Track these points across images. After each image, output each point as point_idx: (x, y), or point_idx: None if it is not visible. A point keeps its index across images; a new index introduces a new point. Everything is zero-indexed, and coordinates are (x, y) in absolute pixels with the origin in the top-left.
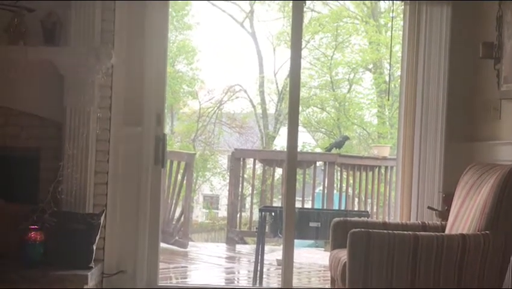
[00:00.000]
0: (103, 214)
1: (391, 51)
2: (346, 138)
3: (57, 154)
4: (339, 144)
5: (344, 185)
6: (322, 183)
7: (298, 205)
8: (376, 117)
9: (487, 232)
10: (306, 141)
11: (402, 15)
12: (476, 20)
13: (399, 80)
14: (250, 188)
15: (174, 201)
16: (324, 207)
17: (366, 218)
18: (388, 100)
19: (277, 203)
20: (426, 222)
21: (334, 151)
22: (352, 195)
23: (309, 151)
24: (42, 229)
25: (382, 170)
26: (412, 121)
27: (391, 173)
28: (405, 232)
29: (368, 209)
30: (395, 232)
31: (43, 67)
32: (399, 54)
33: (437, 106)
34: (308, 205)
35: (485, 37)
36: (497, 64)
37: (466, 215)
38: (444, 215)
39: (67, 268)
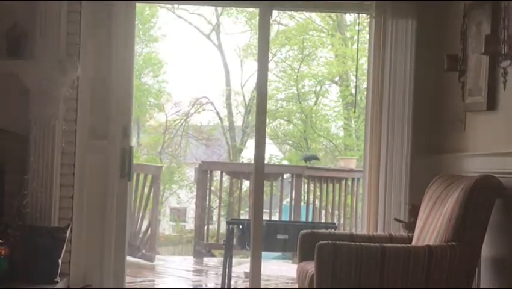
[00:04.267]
0: (69, 228)
1: (357, 64)
2: (315, 158)
3: (22, 167)
4: (308, 158)
5: (311, 197)
6: (289, 196)
7: (265, 217)
8: (342, 129)
9: (453, 243)
10: (273, 153)
11: (367, 28)
12: (441, 34)
13: (365, 92)
14: (218, 201)
15: (141, 214)
16: (292, 219)
17: (333, 230)
18: (355, 112)
19: (244, 215)
20: (393, 234)
21: (301, 163)
22: (319, 207)
23: (277, 163)
24: (7, 243)
25: (349, 182)
26: (378, 133)
27: (358, 184)
28: (372, 244)
29: (336, 221)
30: (362, 244)
31: (7, 80)
32: (365, 66)
33: (403, 118)
34: (275, 217)
35: (450, 50)
36: (461, 77)
37: (432, 227)
38: (410, 226)
39: (32, 283)
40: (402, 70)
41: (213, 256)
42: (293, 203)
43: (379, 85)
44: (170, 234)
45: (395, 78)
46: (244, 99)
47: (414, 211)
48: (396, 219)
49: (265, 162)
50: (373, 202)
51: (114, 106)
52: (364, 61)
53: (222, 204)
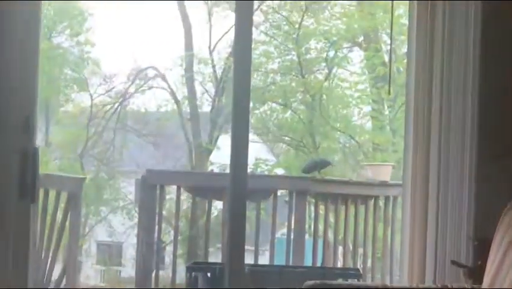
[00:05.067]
0: None
1: (392, 16)
2: (327, 164)
3: None
4: (314, 167)
5: (321, 226)
6: (287, 224)
7: (249, 260)
8: (370, 118)
9: None
10: (262, 156)
11: None
12: None
13: (405, 61)
14: (173, 233)
15: (51, 254)
16: (290, 263)
17: (356, 280)
18: (389, 93)
19: (215, 257)
20: (449, 286)
21: (304, 173)
22: (333, 243)
23: (266, 174)
24: None
25: (381, 203)
26: (426, 125)
27: (395, 207)
28: None
29: (360, 264)
30: None
31: None
32: (404, 21)
33: (464, 102)
34: (264, 260)
35: None
36: None
37: (511, 276)
38: (476, 274)
39: None
40: (463, 29)
41: None
42: (291, 237)
43: (426, 51)
44: (96, 285)
45: (452, 40)
46: (214, 71)
47: (481, 251)
48: (454, 262)
49: (249, 171)
50: (418, 235)
51: (9, 83)
52: (402, 11)
53: (180, 238)
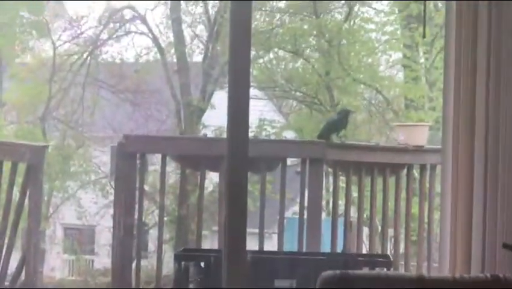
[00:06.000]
0: None
1: None
2: (347, 113)
3: None
4: (336, 126)
5: (341, 202)
6: (299, 201)
7: (252, 245)
8: (401, 68)
9: None
10: (267, 116)
11: None
12: None
13: None
14: (157, 213)
15: (7, 239)
16: (305, 248)
17: (386, 268)
18: (424, 36)
19: (210, 242)
20: (501, 275)
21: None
22: (357, 222)
23: (273, 138)
24: None
25: (415, 173)
26: (471, 75)
27: (433, 177)
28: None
29: (390, 250)
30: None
31: None
32: None
33: None
34: (271, 246)
35: None
36: None
37: None
38: None
39: None
40: None
41: None
42: (305, 216)
43: None
44: (64, 278)
45: None
46: (206, 10)
47: None
48: (506, 246)
49: (251, 135)
50: (462, 213)
51: None
52: None
53: (167, 219)
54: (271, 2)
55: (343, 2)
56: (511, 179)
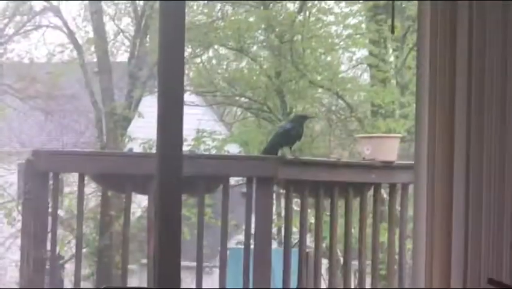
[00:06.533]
0: None
1: None
2: (302, 120)
3: None
4: (289, 137)
5: (295, 229)
6: (245, 228)
7: (188, 282)
8: (366, 68)
9: None
10: (205, 127)
11: None
12: None
13: None
14: (75, 243)
15: None
16: (251, 286)
17: None
18: (393, 31)
19: (138, 278)
20: None
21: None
22: (314, 253)
23: (214, 153)
24: None
25: (384, 193)
26: (449, 76)
27: (404, 199)
28: None
29: (354, 285)
30: None
31: None
32: None
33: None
34: (211, 282)
35: None
36: None
37: None
38: None
39: None
40: None
41: None
42: (252, 246)
43: None
44: None
45: None
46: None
47: None
48: (491, 281)
49: (186, 149)
50: (439, 241)
51: None
52: None
53: (86, 250)
54: (207, 4)
55: None
56: (497, 200)
